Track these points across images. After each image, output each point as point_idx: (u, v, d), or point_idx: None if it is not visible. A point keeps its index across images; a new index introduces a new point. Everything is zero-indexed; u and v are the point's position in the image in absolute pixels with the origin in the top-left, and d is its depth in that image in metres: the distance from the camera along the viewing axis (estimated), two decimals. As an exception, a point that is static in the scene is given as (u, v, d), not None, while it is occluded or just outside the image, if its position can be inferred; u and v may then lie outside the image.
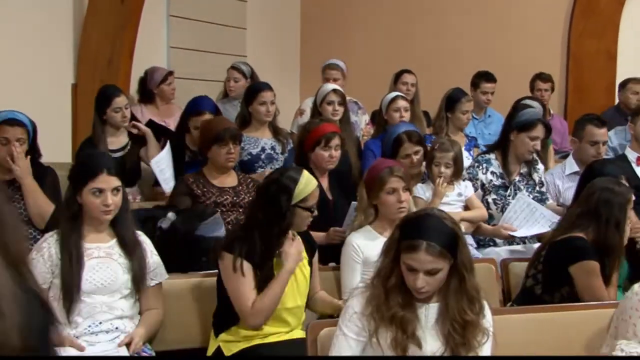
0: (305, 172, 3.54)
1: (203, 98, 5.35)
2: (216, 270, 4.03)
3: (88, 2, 6.53)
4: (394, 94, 5.66)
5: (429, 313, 2.72)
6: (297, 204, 3.44)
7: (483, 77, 6.61)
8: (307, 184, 3.47)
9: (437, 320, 2.71)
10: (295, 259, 3.42)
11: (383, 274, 2.70)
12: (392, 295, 2.66)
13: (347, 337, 2.70)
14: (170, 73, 6.38)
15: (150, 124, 5.56)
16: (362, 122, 6.40)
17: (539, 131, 4.82)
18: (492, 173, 4.89)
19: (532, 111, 4.99)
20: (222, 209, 4.40)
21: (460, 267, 2.66)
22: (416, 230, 2.64)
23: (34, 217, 4.10)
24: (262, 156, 5.10)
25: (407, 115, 5.45)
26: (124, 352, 3.26)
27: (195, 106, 5.23)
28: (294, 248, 3.43)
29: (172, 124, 5.89)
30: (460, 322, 2.66)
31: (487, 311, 2.77)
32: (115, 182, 3.32)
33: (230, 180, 4.53)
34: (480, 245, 4.83)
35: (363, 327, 2.69)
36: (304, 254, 3.57)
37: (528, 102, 5.38)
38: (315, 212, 3.53)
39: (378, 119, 5.66)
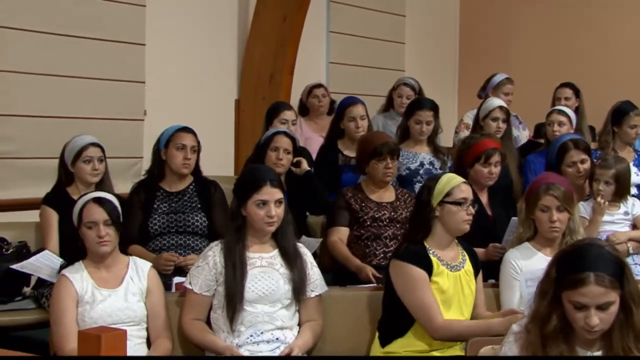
0: (451, 174, 3.63)
1: (351, 96, 5.60)
2: (372, 284, 4.05)
3: (252, 21, 6.76)
4: (554, 108, 5.53)
5: None
6: (443, 199, 3.46)
7: None
8: (449, 179, 3.53)
9: None
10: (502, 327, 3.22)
11: (540, 318, 2.49)
12: (550, 342, 2.46)
13: None
14: (316, 86, 6.43)
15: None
16: (523, 137, 6.25)
17: None
18: None
19: None
20: (380, 224, 4.41)
21: (628, 298, 2.44)
22: (579, 262, 2.43)
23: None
24: (421, 171, 5.07)
25: (561, 130, 5.25)
26: (284, 363, 3.32)
27: (346, 101, 5.41)
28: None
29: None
30: None
31: None
32: (278, 194, 3.39)
33: (388, 195, 4.54)
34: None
35: None
36: (471, 269, 3.55)
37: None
38: (472, 210, 3.50)
39: (542, 132, 5.52)
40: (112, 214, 3.34)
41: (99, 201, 3.36)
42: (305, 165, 4.82)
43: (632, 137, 5.50)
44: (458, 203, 3.47)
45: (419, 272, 3.39)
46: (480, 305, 3.62)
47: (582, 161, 4.58)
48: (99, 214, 3.32)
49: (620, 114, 5.49)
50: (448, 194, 3.47)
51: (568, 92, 6.16)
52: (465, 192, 3.51)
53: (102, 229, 3.31)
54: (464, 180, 3.58)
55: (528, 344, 2.50)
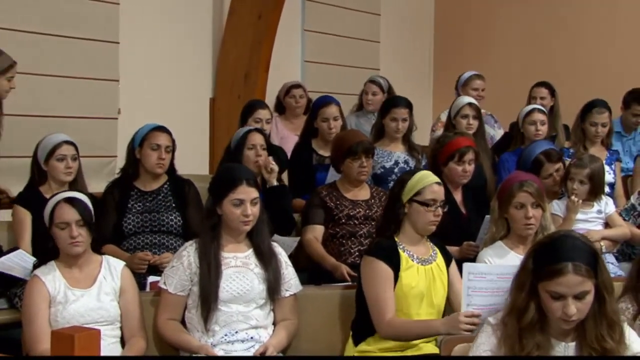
0: (426, 171, 3.60)
1: (326, 95, 5.58)
2: (347, 283, 4.05)
3: (227, 19, 6.74)
4: (530, 106, 5.54)
5: (568, 353, 2.56)
6: (412, 197, 3.45)
7: (637, 98, 6.20)
8: (422, 177, 3.50)
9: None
10: (443, 328, 3.23)
11: (517, 310, 2.53)
12: (526, 334, 2.50)
13: None
14: (294, 86, 6.42)
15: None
16: (498, 136, 6.29)
17: None
18: None
19: None
20: (355, 222, 4.42)
21: (602, 288, 2.49)
22: (556, 253, 2.47)
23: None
24: (396, 170, 5.09)
25: (543, 129, 5.31)
26: (258, 362, 3.31)
27: (320, 101, 5.40)
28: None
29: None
30: (599, 351, 2.48)
31: (634, 337, 2.59)
32: (254, 193, 3.39)
33: (363, 193, 4.55)
34: (623, 260, 4.65)
35: None
36: (442, 263, 3.55)
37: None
38: (440, 212, 3.48)
39: (515, 131, 5.54)
40: (84, 214, 3.32)
41: (71, 201, 3.33)
42: (273, 181, 4.66)
43: (592, 134, 5.40)
44: (426, 204, 3.46)
45: (383, 268, 3.39)
46: (459, 293, 3.61)
47: (557, 170, 4.63)
48: (71, 214, 3.30)
49: (585, 110, 5.49)
50: (418, 193, 3.46)
51: (544, 92, 6.18)
52: (436, 193, 3.49)
53: (74, 229, 3.29)
54: (438, 180, 3.55)
55: (506, 336, 2.53)
